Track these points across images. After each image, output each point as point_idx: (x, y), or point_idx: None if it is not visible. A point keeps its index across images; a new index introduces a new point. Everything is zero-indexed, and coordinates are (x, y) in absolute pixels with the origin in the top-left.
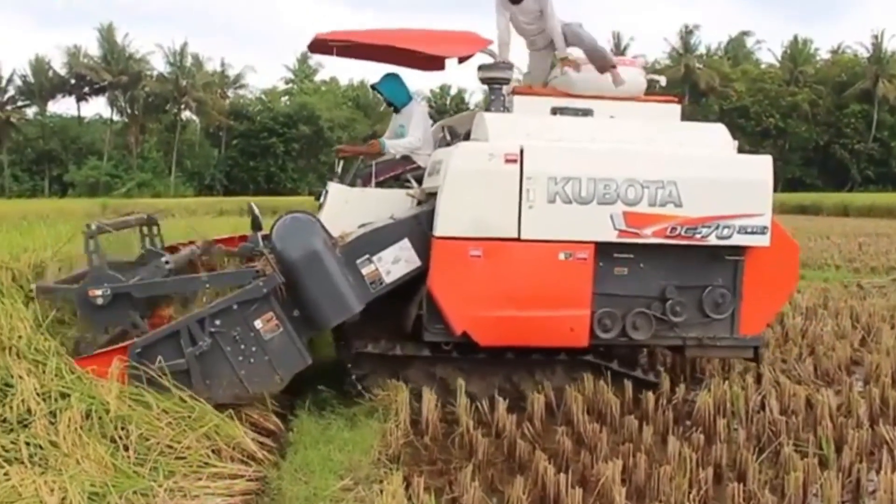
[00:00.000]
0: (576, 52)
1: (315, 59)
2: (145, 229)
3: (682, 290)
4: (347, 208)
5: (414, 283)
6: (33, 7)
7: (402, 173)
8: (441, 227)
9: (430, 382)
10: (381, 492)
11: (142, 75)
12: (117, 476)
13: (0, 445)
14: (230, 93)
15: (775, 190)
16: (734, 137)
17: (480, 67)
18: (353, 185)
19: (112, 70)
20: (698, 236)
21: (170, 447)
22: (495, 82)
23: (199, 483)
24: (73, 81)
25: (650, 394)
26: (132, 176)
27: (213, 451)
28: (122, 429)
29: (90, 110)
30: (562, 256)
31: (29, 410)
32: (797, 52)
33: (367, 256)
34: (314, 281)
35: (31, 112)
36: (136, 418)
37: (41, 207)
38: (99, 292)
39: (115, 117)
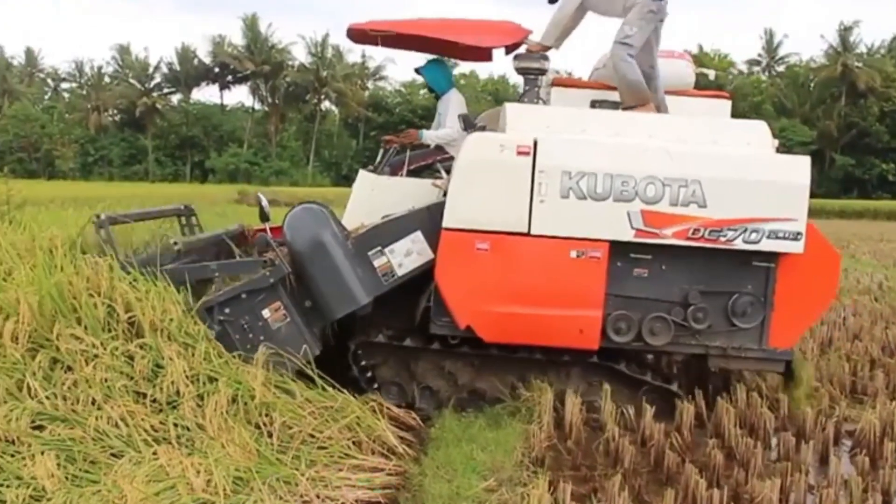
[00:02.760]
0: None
1: None
2: (183, 220)
3: (707, 295)
4: (373, 196)
5: (424, 274)
6: None
7: (433, 163)
8: (449, 219)
9: (439, 376)
10: (527, 496)
11: (283, 65)
12: (261, 462)
13: (150, 425)
14: (370, 84)
15: None
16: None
17: (516, 57)
18: (381, 173)
19: (255, 59)
20: (723, 239)
21: (312, 437)
22: (530, 73)
23: (340, 474)
24: (216, 70)
25: (808, 409)
26: (271, 164)
27: (353, 443)
28: (267, 415)
29: (232, 98)
30: (573, 254)
31: (178, 392)
32: None
33: (378, 248)
34: (320, 272)
35: (175, 99)
36: (280, 406)
37: (182, 192)
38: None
39: (257, 106)
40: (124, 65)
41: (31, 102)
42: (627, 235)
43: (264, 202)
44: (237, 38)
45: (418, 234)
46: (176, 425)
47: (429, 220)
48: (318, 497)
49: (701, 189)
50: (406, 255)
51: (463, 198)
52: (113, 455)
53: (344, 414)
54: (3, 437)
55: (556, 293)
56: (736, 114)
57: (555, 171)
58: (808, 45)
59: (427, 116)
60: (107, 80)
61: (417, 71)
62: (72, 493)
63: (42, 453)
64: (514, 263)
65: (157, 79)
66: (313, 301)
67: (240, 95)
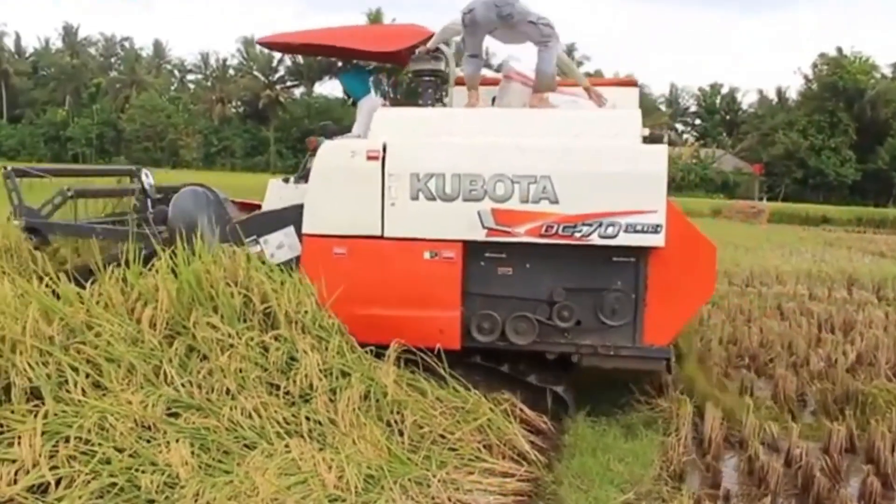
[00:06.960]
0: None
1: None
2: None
3: (573, 293)
4: (283, 203)
5: None
6: None
7: None
8: (308, 225)
9: None
10: None
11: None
12: (392, 461)
13: (283, 417)
14: None
15: None
16: None
17: (411, 60)
18: (297, 181)
19: None
20: (578, 235)
21: (442, 437)
22: (423, 74)
23: (471, 477)
24: (339, 64)
25: None
26: None
27: (484, 446)
28: (398, 413)
29: None
30: (427, 255)
31: (311, 386)
32: None
33: (254, 237)
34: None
35: (298, 92)
36: (412, 404)
37: None
38: (16, 223)
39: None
40: (249, 58)
41: (158, 93)
42: (479, 235)
43: (148, 179)
44: None
45: (291, 230)
46: (308, 419)
47: (301, 217)
48: (449, 500)
49: (551, 184)
50: (278, 247)
51: (319, 204)
52: (245, 446)
53: (475, 415)
54: (140, 423)
55: (413, 294)
56: (878, 120)
57: (403, 173)
58: None
59: None
60: (231, 72)
61: (337, 76)
62: (205, 482)
63: (177, 441)
64: (370, 266)
65: (281, 72)
66: None
67: None
